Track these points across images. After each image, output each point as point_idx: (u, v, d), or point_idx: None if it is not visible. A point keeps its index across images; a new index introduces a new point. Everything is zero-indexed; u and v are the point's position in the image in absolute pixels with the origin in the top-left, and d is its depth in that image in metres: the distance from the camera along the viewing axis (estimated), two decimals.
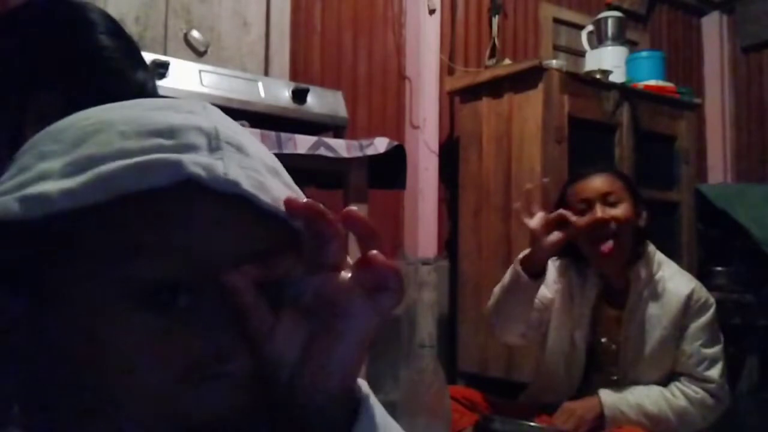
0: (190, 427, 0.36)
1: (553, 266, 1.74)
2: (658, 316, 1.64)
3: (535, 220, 1.57)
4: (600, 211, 1.62)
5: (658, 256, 1.71)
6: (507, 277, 1.62)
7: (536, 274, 1.57)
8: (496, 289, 1.67)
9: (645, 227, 1.69)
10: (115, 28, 0.89)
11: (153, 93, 0.92)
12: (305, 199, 0.38)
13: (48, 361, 0.37)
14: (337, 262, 0.38)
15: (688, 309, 1.64)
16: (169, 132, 0.37)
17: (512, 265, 1.61)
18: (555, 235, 1.54)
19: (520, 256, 1.61)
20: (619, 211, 1.63)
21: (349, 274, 0.38)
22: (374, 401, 0.40)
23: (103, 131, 0.37)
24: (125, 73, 0.86)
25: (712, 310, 1.66)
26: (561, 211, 1.57)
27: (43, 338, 0.37)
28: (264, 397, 0.38)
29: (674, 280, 1.67)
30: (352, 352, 0.38)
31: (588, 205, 1.64)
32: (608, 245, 1.61)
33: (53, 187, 0.35)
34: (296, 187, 0.42)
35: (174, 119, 0.38)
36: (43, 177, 0.36)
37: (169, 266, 0.36)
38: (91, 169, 0.35)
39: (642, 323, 1.65)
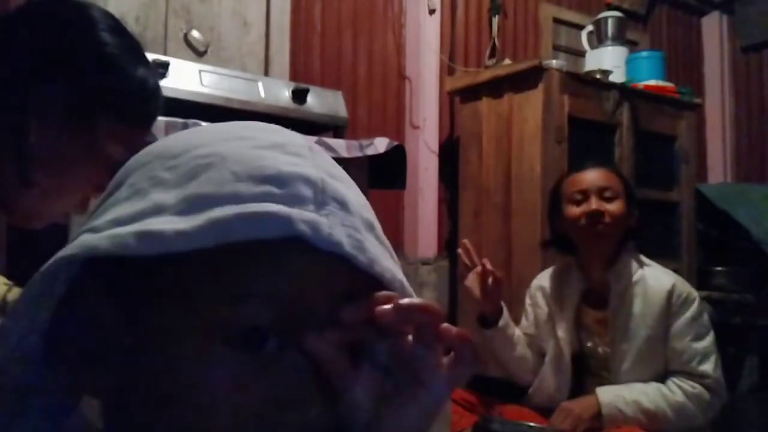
0: None
1: (540, 293, 1.83)
2: (643, 315, 1.65)
3: (470, 279, 1.72)
4: (595, 204, 1.64)
5: (640, 257, 1.73)
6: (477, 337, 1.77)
7: (490, 323, 1.74)
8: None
9: (635, 228, 1.71)
10: (116, 25, 0.89)
11: (155, 90, 0.92)
12: (399, 303, 0.39)
13: (134, 388, 0.38)
14: (406, 332, 0.40)
15: (671, 305, 1.65)
16: (278, 180, 0.38)
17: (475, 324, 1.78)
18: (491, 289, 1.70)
19: (476, 316, 1.79)
20: (614, 206, 1.67)
21: (427, 345, 0.39)
22: None
23: (216, 168, 0.39)
24: (127, 70, 0.87)
25: (696, 304, 1.66)
26: (482, 269, 1.69)
27: (134, 366, 0.38)
28: None
29: (654, 278, 1.68)
30: (421, 417, 0.40)
31: (584, 196, 1.67)
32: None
33: (169, 226, 0.36)
34: (385, 240, 0.44)
35: (282, 165, 0.39)
36: (158, 210, 0.37)
37: (265, 313, 0.37)
38: (205, 211, 0.36)
39: (627, 323, 1.66)
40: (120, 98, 0.86)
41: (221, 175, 0.38)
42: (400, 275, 0.42)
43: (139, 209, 0.38)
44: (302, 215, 0.37)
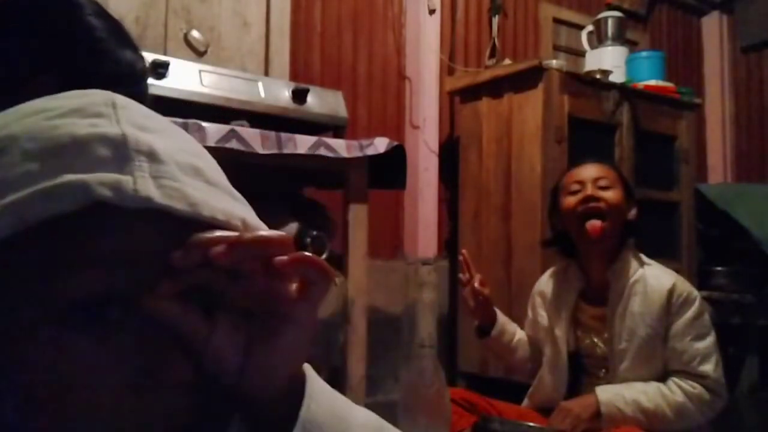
0: None
1: (539, 298, 1.86)
2: (642, 313, 1.64)
3: (465, 291, 1.78)
4: (591, 190, 1.69)
5: (640, 256, 1.73)
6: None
7: (485, 331, 1.82)
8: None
9: (634, 222, 1.72)
10: (100, 9, 0.89)
11: (143, 73, 0.92)
12: (189, 242, 0.37)
13: None
14: (254, 270, 0.38)
15: (671, 305, 1.64)
16: (74, 147, 0.36)
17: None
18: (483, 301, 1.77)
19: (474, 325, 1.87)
20: (610, 194, 1.69)
21: (277, 278, 0.38)
22: (319, 393, 0.41)
23: (8, 151, 0.37)
24: (116, 54, 0.87)
25: (696, 304, 1.66)
26: (473, 289, 1.75)
27: None
28: (220, 403, 0.38)
29: (655, 277, 1.68)
30: (295, 349, 0.39)
31: (581, 186, 1.71)
32: (595, 223, 1.66)
33: None
34: (221, 182, 0.42)
35: (77, 129, 0.37)
36: None
37: (92, 281, 0.35)
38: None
39: (626, 321, 1.65)
40: (111, 83, 0.86)
41: (12, 158, 0.36)
42: (238, 212, 0.40)
43: None
44: (100, 178, 0.35)
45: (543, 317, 1.81)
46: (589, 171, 1.73)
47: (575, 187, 1.72)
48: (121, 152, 0.37)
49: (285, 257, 0.37)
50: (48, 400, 0.35)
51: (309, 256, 0.38)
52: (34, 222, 0.34)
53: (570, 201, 1.71)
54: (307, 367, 0.42)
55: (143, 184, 0.36)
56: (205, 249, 0.37)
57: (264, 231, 0.39)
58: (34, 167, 0.36)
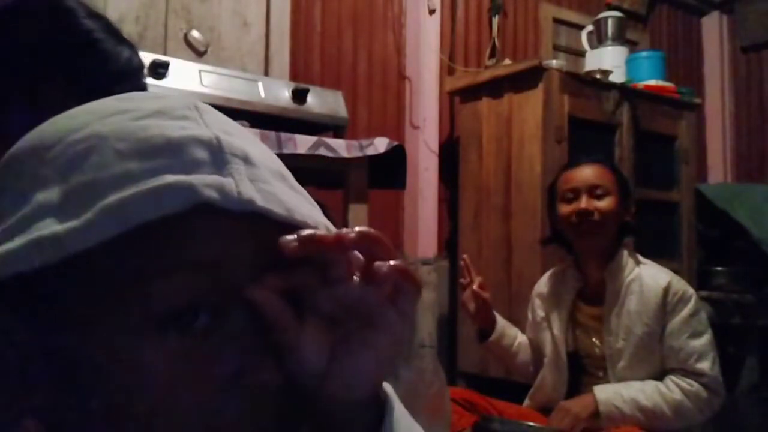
0: None
1: (538, 300, 1.86)
2: (638, 312, 1.65)
3: (465, 295, 1.78)
4: (585, 202, 1.66)
5: (636, 256, 1.74)
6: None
7: (484, 335, 1.82)
8: None
9: (631, 223, 1.72)
10: (91, 10, 0.90)
11: (139, 67, 0.92)
12: (300, 235, 0.36)
13: (72, 394, 0.36)
14: (350, 275, 0.37)
15: (667, 303, 1.64)
16: (170, 149, 0.35)
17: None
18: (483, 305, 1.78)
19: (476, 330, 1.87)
20: (604, 203, 1.68)
21: (369, 284, 0.37)
22: (397, 404, 0.40)
23: (97, 151, 0.35)
24: (113, 52, 0.87)
25: (692, 302, 1.66)
26: (473, 291, 1.76)
27: (66, 371, 0.36)
28: (297, 409, 0.38)
29: (651, 276, 1.69)
30: (380, 360, 0.38)
31: (575, 194, 1.70)
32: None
33: (60, 227, 0.33)
34: (301, 188, 0.42)
35: (169, 131, 0.36)
36: (44, 212, 0.34)
37: (188, 288, 0.35)
38: (95, 202, 0.33)
39: (623, 320, 1.66)
40: (114, 81, 0.86)
41: (104, 158, 0.35)
42: (322, 219, 0.39)
43: (22, 215, 0.35)
44: (204, 180, 0.34)
45: (542, 318, 1.81)
46: (584, 176, 1.71)
47: (569, 195, 1.71)
48: (217, 155, 0.36)
49: (386, 264, 0.37)
50: (130, 400, 0.35)
51: (405, 266, 0.38)
52: (138, 223, 0.33)
53: (565, 209, 1.72)
54: (388, 386, 0.41)
55: (245, 186, 0.36)
56: (315, 242, 0.36)
57: (346, 230, 0.38)
58: (133, 167, 0.34)
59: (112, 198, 0.33)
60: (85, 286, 0.35)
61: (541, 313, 1.82)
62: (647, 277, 1.68)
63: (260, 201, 0.36)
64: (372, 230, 0.38)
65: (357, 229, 0.37)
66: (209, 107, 0.40)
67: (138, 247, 0.34)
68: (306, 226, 0.37)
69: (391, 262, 0.37)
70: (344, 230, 0.37)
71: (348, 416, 0.38)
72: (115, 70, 0.86)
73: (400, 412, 0.40)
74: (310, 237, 0.36)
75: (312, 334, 0.37)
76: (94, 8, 0.91)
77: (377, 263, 0.37)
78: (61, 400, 0.36)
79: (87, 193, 0.34)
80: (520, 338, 1.87)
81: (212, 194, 0.34)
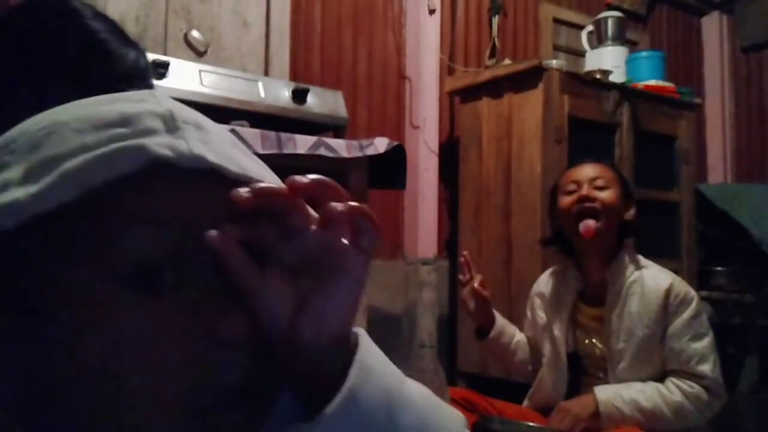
0: (203, 402, 0.36)
1: (538, 299, 1.85)
2: (640, 313, 1.64)
3: (464, 292, 1.77)
4: (586, 190, 1.69)
5: (638, 257, 1.74)
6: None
7: (483, 333, 1.81)
8: None
9: (632, 223, 1.72)
10: (96, 11, 0.90)
11: (146, 68, 0.92)
12: (253, 187, 0.37)
13: (48, 370, 0.36)
14: (307, 223, 0.38)
15: (669, 305, 1.64)
16: (124, 121, 0.37)
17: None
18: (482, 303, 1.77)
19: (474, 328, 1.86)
20: (606, 194, 1.69)
21: (327, 230, 0.38)
22: (371, 347, 0.41)
23: (57, 132, 0.37)
24: (119, 53, 0.87)
25: (694, 304, 1.66)
26: (473, 289, 1.75)
27: (37, 348, 0.36)
28: (269, 359, 0.38)
29: (652, 277, 1.68)
30: (348, 299, 0.39)
31: (577, 186, 1.72)
32: (588, 223, 1.66)
33: (20, 193, 0.35)
34: (256, 158, 0.43)
35: (126, 108, 0.39)
36: (6, 186, 0.36)
37: (149, 245, 0.36)
38: (55, 170, 0.35)
39: (624, 321, 1.65)
40: (120, 82, 0.86)
41: (63, 136, 0.37)
42: (279, 182, 0.40)
43: None
44: (156, 141, 0.36)
45: (542, 318, 1.81)
46: (586, 171, 1.73)
47: (571, 186, 1.72)
48: (170, 123, 0.38)
49: (340, 205, 0.38)
50: (104, 361, 0.35)
51: (359, 205, 0.38)
52: (95, 185, 0.35)
53: (566, 201, 1.72)
54: (360, 329, 0.42)
55: (196, 145, 0.37)
56: (268, 193, 0.37)
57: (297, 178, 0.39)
58: (89, 139, 0.37)
59: (69, 164, 0.35)
60: (51, 249, 0.36)
61: (540, 312, 1.82)
62: (649, 278, 1.68)
63: (212, 157, 0.37)
64: (324, 177, 0.39)
65: (309, 176, 0.38)
66: (168, 97, 0.42)
67: (97, 209, 0.36)
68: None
69: (346, 204, 0.38)
70: (296, 177, 0.38)
71: (317, 360, 0.38)
72: (121, 70, 0.86)
73: (373, 352, 0.41)
74: (263, 188, 0.37)
75: (275, 285, 0.37)
76: (99, 10, 0.91)
77: (331, 204, 0.38)
78: (39, 381, 0.36)
79: (47, 164, 0.36)
80: (518, 336, 1.87)
81: (164, 151, 0.36)
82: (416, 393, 0.42)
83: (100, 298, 0.35)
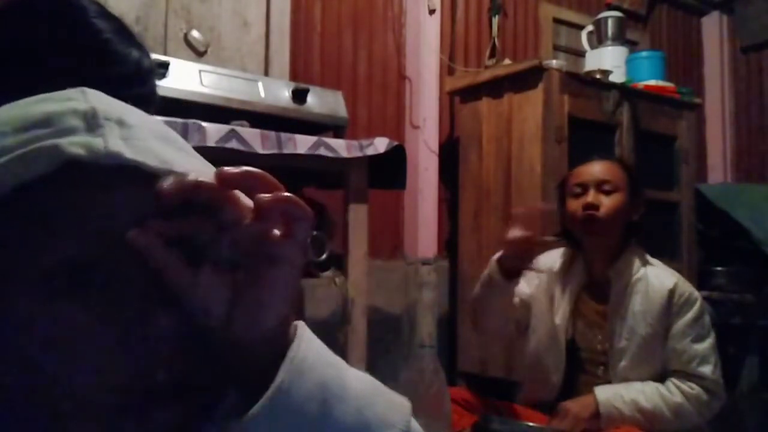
0: (130, 400, 0.36)
1: (547, 274, 1.77)
2: (643, 312, 1.64)
3: (514, 232, 1.52)
4: (592, 197, 1.65)
5: (643, 255, 1.73)
6: (486, 272, 1.62)
7: (510, 275, 1.57)
8: (477, 284, 1.68)
9: (639, 222, 1.71)
10: (103, 9, 0.89)
11: (150, 69, 0.91)
12: (178, 180, 0.37)
13: None
14: (240, 216, 0.37)
15: (672, 305, 1.64)
16: (45, 121, 0.37)
17: (490, 262, 1.61)
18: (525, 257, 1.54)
19: (496, 255, 1.59)
20: (611, 200, 1.66)
21: (260, 222, 0.37)
22: (308, 341, 0.41)
23: None
24: (123, 53, 0.86)
25: (697, 305, 1.66)
26: (549, 239, 1.62)
27: None
28: (204, 353, 0.38)
29: (657, 277, 1.68)
30: (285, 288, 0.38)
31: (583, 189, 1.69)
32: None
33: None
34: (194, 154, 0.42)
35: (50, 108, 0.39)
36: None
37: (69, 244, 0.36)
38: None
39: (627, 319, 1.65)
40: (118, 83, 0.86)
41: None
42: (211, 172, 0.39)
43: None
44: (71, 140, 0.36)
45: (545, 293, 1.77)
46: (593, 171, 1.70)
47: (577, 189, 1.70)
48: (91, 121, 0.38)
49: (269, 195, 0.37)
50: (34, 359, 0.35)
51: (289, 195, 0.38)
52: (10, 188, 0.35)
53: (572, 205, 1.70)
54: (300, 322, 0.42)
55: (114, 143, 0.37)
56: (194, 185, 0.36)
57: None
58: (10, 141, 0.37)
59: None
60: None
61: (546, 289, 1.77)
62: (653, 277, 1.67)
63: (129, 153, 0.37)
64: (253, 168, 0.38)
65: (239, 168, 0.38)
66: (99, 93, 0.42)
67: (16, 210, 0.36)
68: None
69: (275, 194, 0.37)
70: (224, 168, 0.37)
71: (252, 356, 0.38)
72: (124, 72, 0.85)
73: (310, 345, 0.40)
74: (187, 180, 0.37)
75: (208, 280, 0.37)
76: (106, 8, 0.90)
77: (261, 195, 0.37)
78: None
79: None
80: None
81: (77, 150, 0.36)
82: (358, 385, 0.42)
83: (26, 298, 0.35)
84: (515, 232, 1.51)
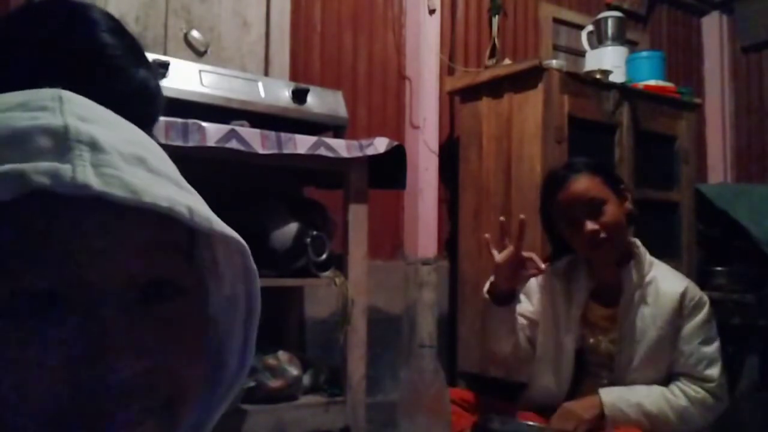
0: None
1: (534, 280, 1.78)
2: (653, 316, 1.64)
3: (503, 254, 1.62)
4: (589, 227, 1.60)
5: (649, 257, 1.72)
6: (482, 303, 1.69)
7: (504, 300, 1.66)
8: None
9: (632, 213, 1.70)
10: (116, 26, 0.88)
11: (155, 91, 0.91)
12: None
13: None
14: None
15: (683, 308, 1.64)
16: (13, 139, 0.36)
17: (482, 295, 1.70)
18: (521, 273, 1.63)
19: (486, 285, 1.69)
20: (607, 216, 1.62)
21: None
22: None
23: None
24: (127, 72, 0.86)
25: (706, 308, 1.66)
26: (530, 255, 1.62)
27: None
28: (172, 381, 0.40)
29: (667, 280, 1.67)
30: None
31: (576, 217, 1.63)
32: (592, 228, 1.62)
33: None
34: (169, 170, 0.41)
35: (20, 122, 0.37)
36: None
37: (31, 274, 0.35)
38: None
39: (636, 323, 1.65)
40: (121, 101, 0.86)
41: None
42: (183, 200, 0.38)
43: None
44: (38, 167, 0.35)
45: (548, 308, 1.76)
46: (577, 194, 1.63)
47: (570, 217, 1.64)
48: (61, 143, 0.37)
49: None
50: None
51: None
52: None
53: (575, 241, 1.66)
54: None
55: (82, 172, 0.36)
56: None
57: (215, 219, 0.39)
58: None
59: None
60: None
61: (548, 304, 1.76)
62: (663, 281, 1.66)
63: (98, 185, 0.36)
64: None
65: None
66: (77, 97, 0.41)
67: None
68: (156, 207, 0.37)
69: None
70: None
71: None
72: (126, 89, 0.84)
73: None
74: None
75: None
76: (123, 26, 0.89)
77: None
78: None
79: None
80: (519, 319, 1.77)
81: (43, 180, 0.35)
82: None
83: None
84: (502, 256, 1.61)
